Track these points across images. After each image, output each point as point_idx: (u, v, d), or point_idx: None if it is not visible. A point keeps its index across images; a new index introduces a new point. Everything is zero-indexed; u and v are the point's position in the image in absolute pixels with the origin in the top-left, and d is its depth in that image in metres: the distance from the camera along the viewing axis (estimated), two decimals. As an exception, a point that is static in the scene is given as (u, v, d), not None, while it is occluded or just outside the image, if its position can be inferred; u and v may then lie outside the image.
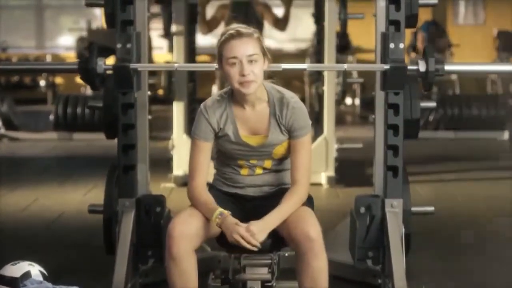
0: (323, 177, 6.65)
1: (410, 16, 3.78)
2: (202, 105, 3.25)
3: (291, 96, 3.23)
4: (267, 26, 8.02)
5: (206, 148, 3.23)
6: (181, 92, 6.73)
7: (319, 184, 6.61)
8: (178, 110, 6.75)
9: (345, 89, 6.90)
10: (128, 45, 3.67)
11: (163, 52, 13.57)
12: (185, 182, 6.59)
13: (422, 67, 3.63)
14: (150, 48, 9.82)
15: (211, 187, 3.35)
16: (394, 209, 3.75)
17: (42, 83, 13.73)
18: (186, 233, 3.08)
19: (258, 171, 3.28)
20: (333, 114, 6.65)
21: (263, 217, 3.10)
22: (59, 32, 15.98)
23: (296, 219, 3.10)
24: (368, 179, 6.86)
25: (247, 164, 3.27)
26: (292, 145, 3.22)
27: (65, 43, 15.34)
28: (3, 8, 15.34)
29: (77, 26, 14.69)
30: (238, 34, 3.14)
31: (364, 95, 12.27)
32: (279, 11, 8.27)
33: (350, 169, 7.12)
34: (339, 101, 7.23)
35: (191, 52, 6.95)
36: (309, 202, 3.27)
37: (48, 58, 13.89)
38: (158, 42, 12.79)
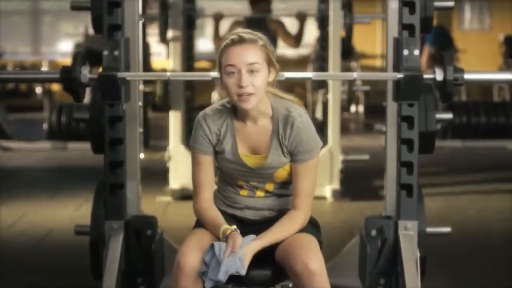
0: (327, 190, 6.31)
1: (424, 20, 3.45)
2: (201, 114, 2.91)
3: (299, 114, 2.87)
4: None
5: (207, 161, 2.91)
6: (178, 100, 6.41)
7: (324, 198, 6.27)
8: (174, 119, 6.43)
9: (351, 98, 6.56)
10: (116, 52, 3.35)
11: (162, 58, 13.29)
12: (182, 195, 6.29)
13: (439, 75, 3.29)
14: (148, 54, 9.52)
15: None
16: (408, 232, 3.41)
17: (38, 90, 13.43)
18: (196, 266, 2.74)
19: (259, 193, 2.94)
20: (338, 124, 6.31)
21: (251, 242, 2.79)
22: (58, 38, 15.69)
23: (296, 249, 2.76)
24: (375, 192, 6.58)
25: (246, 185, 2.93)
26: (294, 169, 2.87)
27: (65, 49, 15.03)
28: (0, 13, 15.07)
29: (74, 32, 14.40)
30: (240, 40, 2.80)
31: (369, 102, 11.97)
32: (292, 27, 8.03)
33: (356, 181, 6.79)
34: (344, 107, 6.89)
35: (189, 59, 6.64)
36: (315, 228, 2.93)
37: (45, 65, 13.60)
38: (158, 48, 12.50)
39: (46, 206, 6.20)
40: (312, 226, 2.93)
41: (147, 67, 8.93)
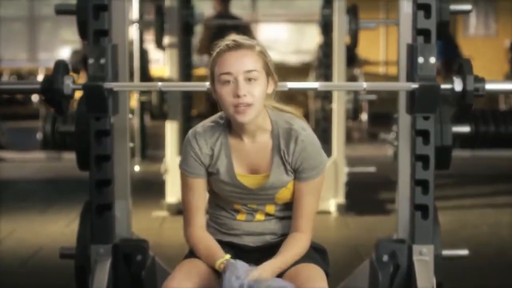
0: (332, 204, 6.01)
1: (440, 25, 3.15)
2: (190, 132, 2.61)
3: (302, 128, 2.57)
4: None
5: (199, 185, 2.61)
6: (175, 110, 6.11)
7: (328, 213, 5.96)
8: (171, 129, 6.13)
9: (357, 107, 6.25)
10: (102, 60, 3.05)
11: (161, 65, 13.02)
12: (179, 210, 5.98)
13: (458, 86, 3.00)
14: (146, 61, 9.25)
15: None
16: (423, 257, 3.12)
17: (35, 98, 13.14)
18: None
19: (259, 217, 2.64)
20: (343, 135, 6.00)
21: (259, 266, 2.48)
22: (56, 44, 15.46)
23: (302, 284, 2.46)
24: (382, 205, 6.28)
25: (244, 208, 2.63)
26: (298, 188, 2.58)
27: (64, 55, 14.78)
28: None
29: (73, 38, 14.15)
30: (235, 45, 2.50)
31: (372, 110, 11.69)
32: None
33: (361, 194, 6.49)
34: (350, 117, 6.60)
35: (186, 66, 6.35)
36: (322, 258, 2.63)
37: (41, 71, 13.31)
38: (158, 55, 12.23)
39: (37, 221, 5.90)
40: (320, 255, 2.63)
41: (145, 74, 8.65)
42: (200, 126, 2.61)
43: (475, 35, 14.46)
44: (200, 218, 2.61)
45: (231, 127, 2.58)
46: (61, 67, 3.02)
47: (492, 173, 8.05)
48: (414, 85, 3.00)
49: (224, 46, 2.51)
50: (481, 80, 3.01)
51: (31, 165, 8.61)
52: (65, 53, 14.71)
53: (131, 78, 8.24)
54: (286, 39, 14.87)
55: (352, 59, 7.14)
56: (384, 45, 14.11)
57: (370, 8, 12.03)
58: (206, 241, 2.58)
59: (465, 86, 2.98)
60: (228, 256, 2.52)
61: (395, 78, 3.44)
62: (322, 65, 6.99)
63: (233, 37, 2.54)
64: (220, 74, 2.49)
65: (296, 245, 2.57)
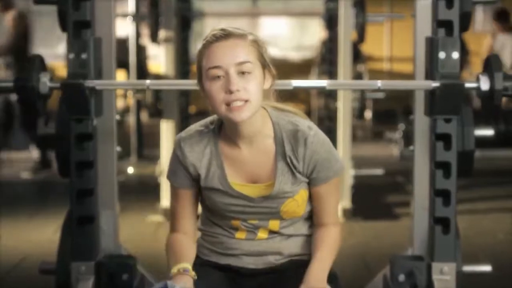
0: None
1: (461, 17, 2.82)
2: (176, 139, 2.29)
3: (309, 127, 2.24)
4: None
5: (188, 195, 2.31)
6: (171, 108, 5.77)
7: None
8: (167, 129, 5.80)
9: (363, 105, 5.92)
10: (83, 55, 2.72)
11: (159, 61, 12.71)
12: (175, 215, 5.66)
13: (484, 84, 2.67)
14: (144, 57, 8.92)
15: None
16: (444, 276, 2.80)
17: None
18: None
19: (262, 234, 2.30)
20: (349, 135, 5.68)
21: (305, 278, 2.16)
22: (52, 40, 15.16)
23: None
24: (390, 210, 5.95)
25: (244, 225, 2.29)
26: (316, 192, 2.27)
27: (60, 51, 14.49)
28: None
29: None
30: (224, 35, 2.17)
31: (377, 107, 11.39)
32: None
33: (368, 197, 6.15)
34: (358, 115, 6.28)
35: (184, 63, 6.02)
36: (333, 284, 2.28)
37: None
38: (157, 51, 11.92)
39: (24, 226, 5.58)
40: (332, 284, 2.27)
41: (143, 71, 8.31)
42: (185, 132, 2.29)
43: (482, 31, 14.15)
44: (184, 224, 2.32)
45: (224, 133, 2.25)
46: (36, 62, 2.69)
47: (504, 175, 7.72)
48: (435, 84, 2.68)
49: (211, 37, 2.18)
50: (510, 78, 2.67)
51: (24, 165, 8.28)
52: (63, 49, 14.42)
53: (128, 75, 7.92)
54: (287, 34, 14.54)
55: (356, 55, 6.82)
56: (388, 41, 13.81)
57: (372, 3, 11.73)
58: (180, 245, 2.27)
59: (493, 85, 2.65)
60: (184, 265, 2.19)
61: (400, 75, 3.13)
62: (326, 62, 6.66)
63: (221, 26, 2.21)
64: (208, 69, 2.16)
65: (328, 237, 2.26)
